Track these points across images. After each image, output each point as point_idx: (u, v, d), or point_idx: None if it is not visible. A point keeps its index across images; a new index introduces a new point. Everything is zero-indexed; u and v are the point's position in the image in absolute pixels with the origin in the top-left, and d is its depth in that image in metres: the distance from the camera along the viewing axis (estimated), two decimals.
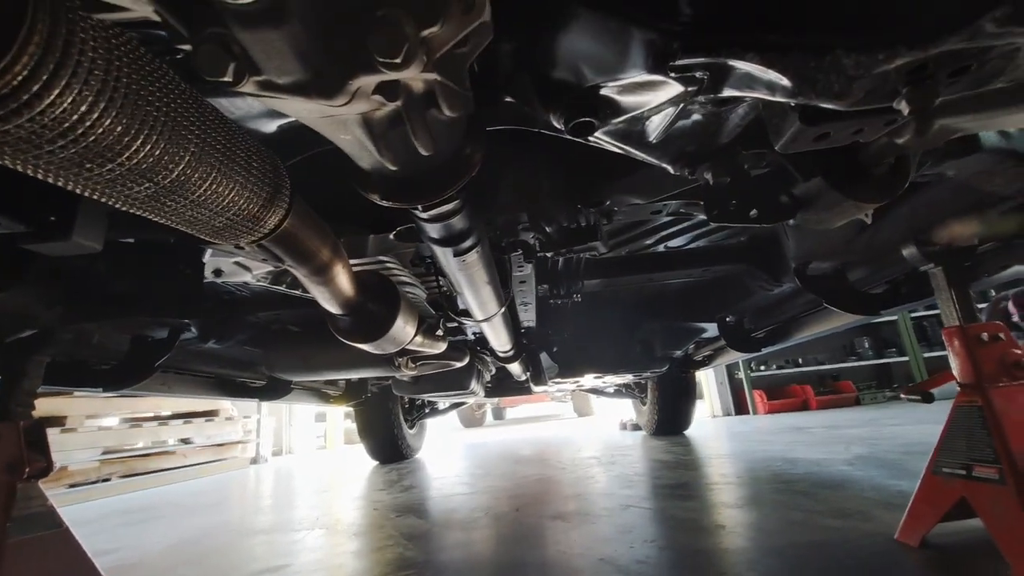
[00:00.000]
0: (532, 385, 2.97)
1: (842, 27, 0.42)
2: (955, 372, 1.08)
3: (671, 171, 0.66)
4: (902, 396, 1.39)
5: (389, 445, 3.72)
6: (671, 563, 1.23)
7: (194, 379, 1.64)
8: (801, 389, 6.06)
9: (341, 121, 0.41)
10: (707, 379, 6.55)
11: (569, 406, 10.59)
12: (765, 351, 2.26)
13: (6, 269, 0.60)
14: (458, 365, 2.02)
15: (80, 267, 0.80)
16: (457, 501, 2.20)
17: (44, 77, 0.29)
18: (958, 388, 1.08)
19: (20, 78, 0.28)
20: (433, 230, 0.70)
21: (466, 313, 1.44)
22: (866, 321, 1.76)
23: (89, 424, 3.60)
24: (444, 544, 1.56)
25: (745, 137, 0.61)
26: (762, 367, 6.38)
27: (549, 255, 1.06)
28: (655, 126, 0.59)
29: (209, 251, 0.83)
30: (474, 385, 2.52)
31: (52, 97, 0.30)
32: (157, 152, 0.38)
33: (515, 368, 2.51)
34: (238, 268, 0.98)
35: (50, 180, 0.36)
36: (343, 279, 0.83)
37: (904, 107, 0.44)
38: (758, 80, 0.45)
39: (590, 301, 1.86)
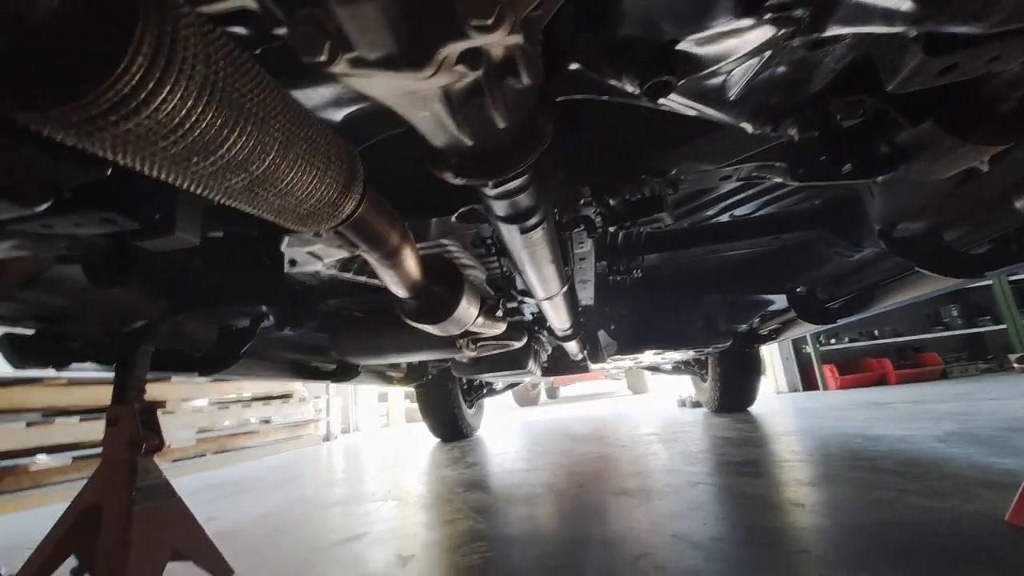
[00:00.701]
0: (589, 363, 2.96)
1: None
2: None
3: (749, 130, 0.62)
4: (1015, 366, 1.26)
5: (450, 424, 3.85)
6: (748, 540, 1.19)
7: (273, 364, 1.76)
8: (877, 363, 5.64)
9: (422, 97, 0.41)
10: (771, 354, 6.26)
11: (623, 384, 10.49)
12: (840, 322, 2.11)
13: (117, 267, 0.67)
14: (516, 345, 2.04)
15: (178, 262, 0.88)
16: (519, 477, 2.25)
17: (157, 75, 0.31)
18: None
19: (136, 78, 0.30)
20: (500, 208, 0.69)
21: (526, 293, 1.44)
22: (958, 287, 1.59)
23: (185, 406, 4.00)
24: (511, 518, 1.60)
25: (840, 82, 0.55)
26: (833, 340, 5.99)
27: (611, 230, 1.03)
28: (736, 80, 0.54)
29: (285, 241, 0.87)
30: (531, 365, 2.54)
31: (164, 94, 0.32)
32: (251, 143, 0.39)
33: (572, 347, 2.50)
34: (311, 258, 1.02)
35: (162, 177, 0.38)
36: (411, 262, 0.85)
37: None
38: (871, 10, 0.39)
39: (649, 276, 1.81)
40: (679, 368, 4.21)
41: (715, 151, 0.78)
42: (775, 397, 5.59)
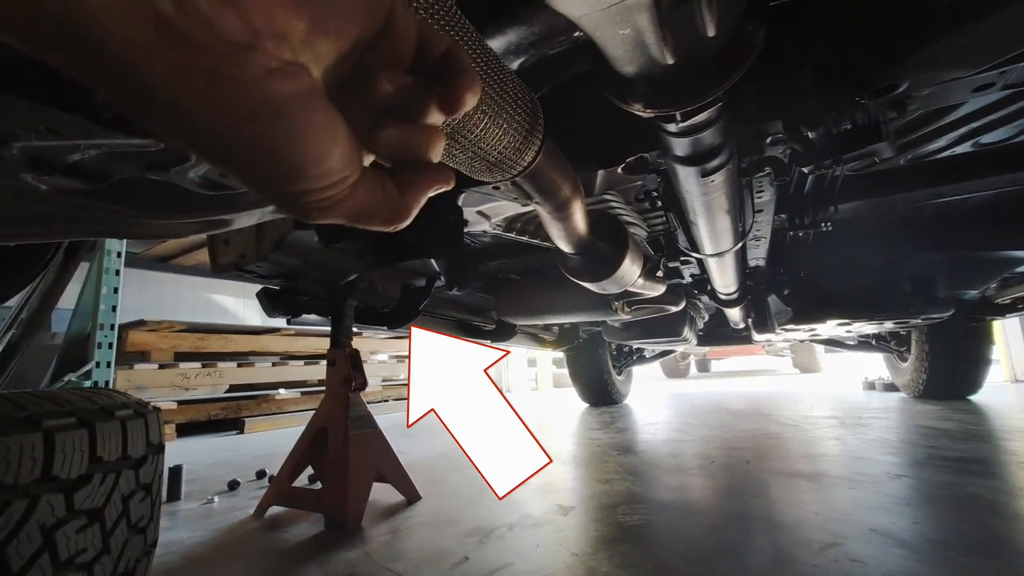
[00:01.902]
0: (754, 333, 2.67)
1: None
2: None
3: None
4: None
5: (599, 389, 3.88)
6: (982, 550, 0.97)
7: (443, 321, 1.96)
8: None
9: (627, 8, 0.38)
10: (1003, 330, 4.92)
11: (787, 360, 9.32)
12: None
13: (342, 224, 0.80)
14: (673, 310, 1.93)
15: None
16: (674, 447, 2.17)
17: None
18: None
19: None
20: (680, 147, 0.64)
21: (689, 251, 1.34)
22: None
23: (372, 359, 4.79)
24: (669, 485, 1.55)
25: None
26: None
27: (806, 171, 0.88)
28: None
29: (461, 199, 0.94)
30: (686, 332, 2.39)
31: None
32: None
33: (735, 314, 2.28)
34: (479, 217, 1.08)
35: None
36: (579, 216, 0.84)
37: None
38: None
39: (840, 229, 1.53)
40: (868, 343, 3.54)
41: (978, 47, 0.58)
42: (1011, 386, 4.40)
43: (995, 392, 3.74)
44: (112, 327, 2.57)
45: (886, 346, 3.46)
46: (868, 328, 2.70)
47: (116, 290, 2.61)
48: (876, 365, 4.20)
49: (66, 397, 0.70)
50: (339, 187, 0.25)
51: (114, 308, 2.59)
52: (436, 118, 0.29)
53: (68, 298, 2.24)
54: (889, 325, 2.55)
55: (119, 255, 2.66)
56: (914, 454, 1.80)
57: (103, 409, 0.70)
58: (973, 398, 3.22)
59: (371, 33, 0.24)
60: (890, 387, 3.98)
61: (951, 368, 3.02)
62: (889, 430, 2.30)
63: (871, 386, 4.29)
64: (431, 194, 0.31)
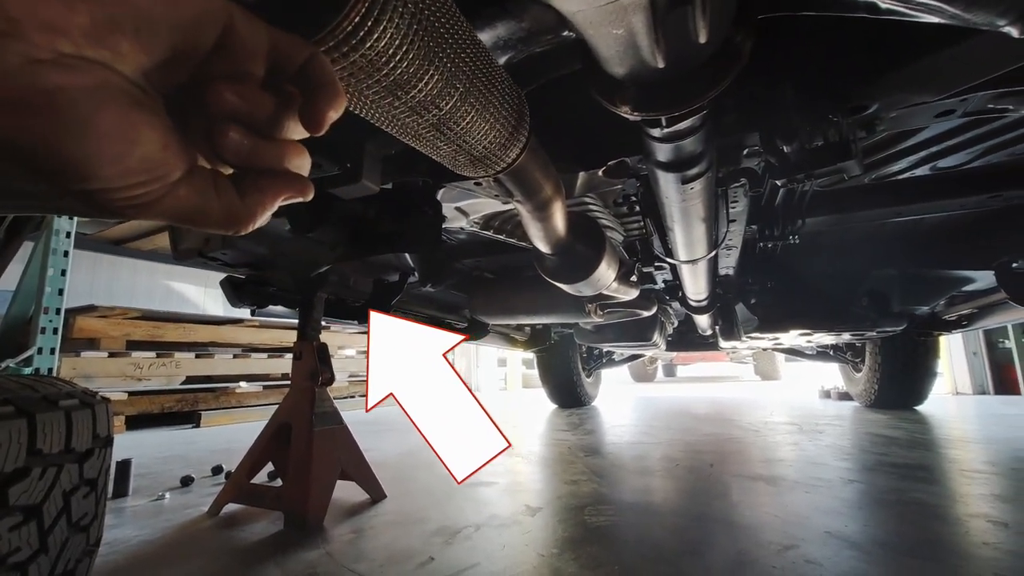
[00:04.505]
0: (721, 340, 2.74)
1: None
2: None
3: (1016, 35, 0.47)
4: None
5: (568, 391, 3.90)
6: (926, 552, 1.02)
7: (415, 318, 1.93)
8: None
9: (623, 7, 0.38)
10: (948, 345, 5.23)
11: (749, 368, 9.66)
12: None
13: (316, 214, 0.78)
14: (644, 315, 1.96)
15: (355, 213, 0.99)
16: (641, 449, 2.20)
17: (378, 6, 0.32)
18: None
19: (363, 9, 0.32)
20: (663, 153, 0.64)
21: (662, 257, 1.36)
22: None
23: (340, 353, 4.68)
24: (636, 487, 1.57)
25: None
26: None
27: (779, 183, 0.91)
28: None
29: (440, 194, 0.92)
30: (656, 337, 2.43)
31: (382, 26, 0.33)
32: (444, 79, 0.40)
33: (703, 321, 2.34)
34: (458, 214, 1.07)
35: (363, 114, 0.41)
36: (559, 217, 0.83)
37: None
38: None
39: (806, 243, 1.59)
40: (826, 353, 3.70)
41: (944, 75, 0.61)
42: (952, 398, 4.68)
43: (939, 403, 3.97)
44: (58, 311, 2.42)
45: (842, 357, 3.62)
46: (827, 339, 2.82)
47: (64, 272, 2.45)
48: (832, 375, 4.39)
49: (3, 384, 0.65)
50: (150, 186, 0.23)
51: (61, 291, 2.43)
52: (298, 133, 0.28)
53: (9, 279, 2.10)
54: (847, 336, 2.67)
55: (68, 235, 2.50)
56: (865, 460, 1.88)
57: (45, 398, 0.65)
58: (920, 408, 3.41)
59: (202, 43, 0.24)
60: (844, 396, 4.16)
61: (901, 380, 3.19)
62: (843, 437, 2.40)
63: (826, 394, 4.48)
64: (281, 202, 0.29)
